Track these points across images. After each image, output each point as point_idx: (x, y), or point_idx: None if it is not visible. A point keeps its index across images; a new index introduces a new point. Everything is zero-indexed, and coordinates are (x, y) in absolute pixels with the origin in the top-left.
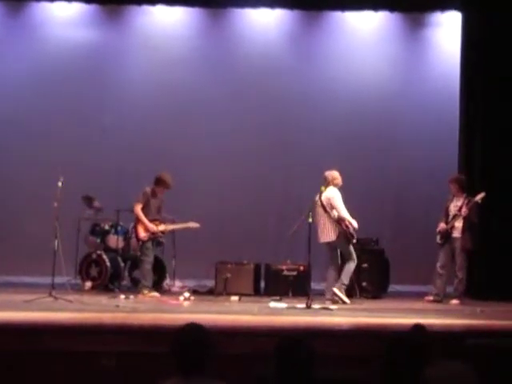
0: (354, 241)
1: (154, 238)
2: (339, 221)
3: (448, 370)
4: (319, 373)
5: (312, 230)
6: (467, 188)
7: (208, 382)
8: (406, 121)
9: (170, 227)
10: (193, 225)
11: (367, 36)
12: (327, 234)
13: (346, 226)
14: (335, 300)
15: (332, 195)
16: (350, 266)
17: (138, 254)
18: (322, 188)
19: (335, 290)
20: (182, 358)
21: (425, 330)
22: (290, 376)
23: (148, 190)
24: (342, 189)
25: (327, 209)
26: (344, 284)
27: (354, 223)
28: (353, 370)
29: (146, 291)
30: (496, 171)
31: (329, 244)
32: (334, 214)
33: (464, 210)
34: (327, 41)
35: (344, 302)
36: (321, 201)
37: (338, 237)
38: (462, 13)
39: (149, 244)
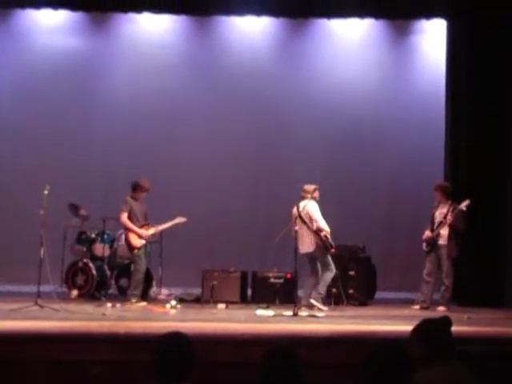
0: (333, 250)
1: (147, 243)
2: (318, 232)
3: (437, 373)
4: (306, 382)
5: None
6: (452, 195)
7: None
8: (392, 127)
9: (160, 228)
10: (180, 220)
11: (353, 43)
12: (306, 245)
13: (325, 237)
14: (311, 306)
15: (311, 208)
16: (328, 276)
17: (128, 262)
18: (300, 201)
19: (312, 301)
20: (162, 368)
21: (451, 322)
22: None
23: (128, 197)
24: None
25: (306, 221)
26: (320, 293)
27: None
28: (340, 377)
29: (134, 300)
30: (482, 177)
31: (308, 255)
32: (313, 225)
33: (449, 218)
34: (313, 48)
35: (321, 310)
36: (299, 213)
37: (316, 247)
38: (446, 20)
39: (140, 252)
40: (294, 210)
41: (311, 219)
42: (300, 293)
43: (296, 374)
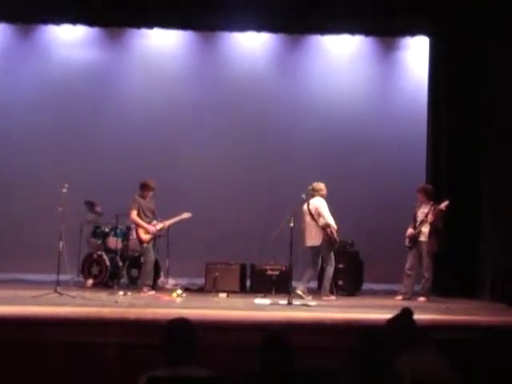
0: (337, 246)
1: (155, 237)
2: (325, 227)
3: (420, 358)
4: (299, 363)
5: (294, 233)
6: (433, 196)
7: (196, 370)
8: (379, 134)
9: (167, 223)
10: (186, 215)
11: (344, 58)
12: (313, 238)
13: (331, 233)
14: (304, 292)
15: (319, 204)
16: (329, 272)
17: (138, 254)
18: (310, 198)
19: (324, 298)
20: (169, 350)
21: (412, 314)
22: (274, 368)
23: (136, 196)
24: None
25: (315, 217)
26: (326, 289)
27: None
28: (330, 360)
29: (146, 289)
30: (459, 181)
31: (314, 248)
32: (321, 221)
33: (430, 217)
34: (308, 62)
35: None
36: (309, 209)
37: (322, 242)
38: (429, 38)
39: (149, 245)
40: (305, 207)
41: (319, 215)
42: (296, 283)
43: (289, 357)
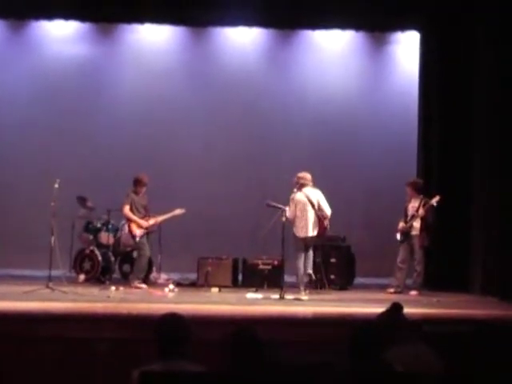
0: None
1: (148, 232)
2: (324, 219)
3: (410, 351)
4: (292, 358)
5: (286, 228)
6: (423, 190)
7: (188, 365)
8: (370, 129)
9: (160, 219)
10: (179, 211)
11: (335, 53)
12: (314, 229)
13: (327, 225)
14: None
15: (320, 197)
16: (312, 259)
17: (130, 249)
18: (301, 188)
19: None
20: (161, 345)
21: (401, 308)
22: (243, 362)
23: (130, 191)
24: None
25: (315, 207)
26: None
27: None
28: (323, 353)
29: (137, 282)
30: (450, 175)
31: (307, 238)
32: (319, 213)
33: (421, 211)
34: (299, 57)
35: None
36: (310, 200)
37: (317, 233)
38: (419, 33)
39: (143, 239)
40: (301, 196)
41: (319, 206)
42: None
43: (258, 351)
